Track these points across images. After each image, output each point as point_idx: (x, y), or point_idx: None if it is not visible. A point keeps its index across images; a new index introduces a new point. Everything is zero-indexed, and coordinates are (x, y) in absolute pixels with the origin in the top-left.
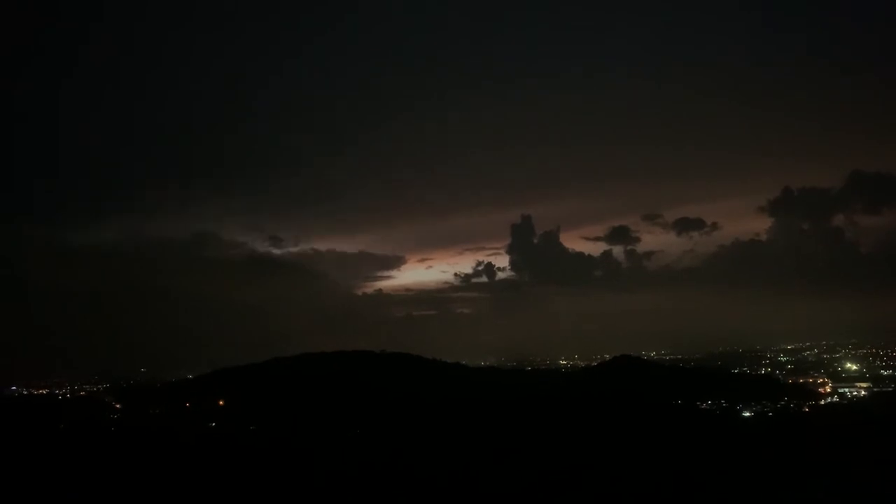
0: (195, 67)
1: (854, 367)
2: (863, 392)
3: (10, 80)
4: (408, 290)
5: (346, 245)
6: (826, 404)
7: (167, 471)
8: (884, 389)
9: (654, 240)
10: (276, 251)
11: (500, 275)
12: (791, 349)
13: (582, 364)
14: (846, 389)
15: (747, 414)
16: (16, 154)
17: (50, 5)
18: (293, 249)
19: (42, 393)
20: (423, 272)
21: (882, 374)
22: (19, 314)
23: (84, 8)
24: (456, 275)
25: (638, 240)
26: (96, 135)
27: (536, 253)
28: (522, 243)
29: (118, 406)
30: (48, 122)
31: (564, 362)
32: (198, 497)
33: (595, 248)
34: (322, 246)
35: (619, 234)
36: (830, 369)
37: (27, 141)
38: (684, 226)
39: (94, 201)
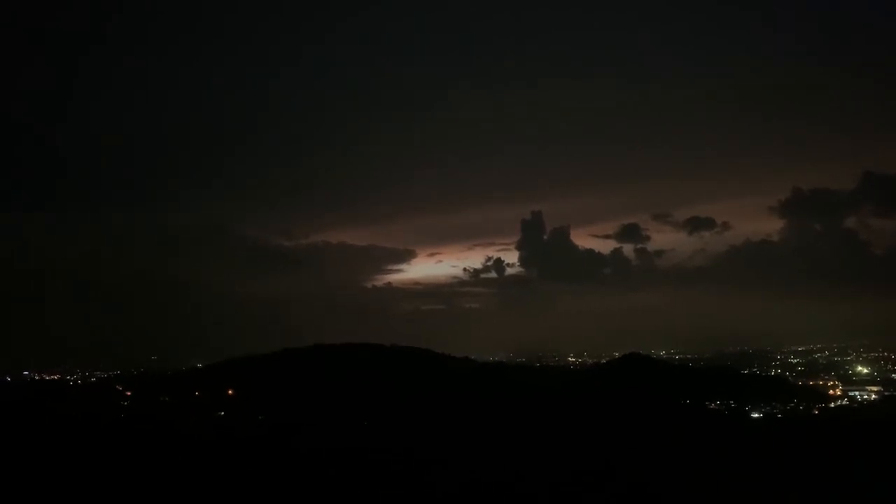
0: (208, 64)
1: (865, 370)
2: (873, 395)
3: (24, 77)
4: (417, 283)
5: (357, 238)
6: (836, 407)
7: (174, 459)
8: (894, 393)
9: (665, 239)
10: (287, 243)
11: (510, 270)
12: (802, 351)
13: (591, 361)
14: (856, 392)
15: (756, 415)
16: (29, 147)
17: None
18: (304, 242)
19: (53, 379)
20: (432, 266)
21: (893, 377)
22: (32, 302)
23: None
24: (465, 270)
25: (648, 238)
26: (110, 128)
27: (546, 249)
28: (532, 239)
29: (128, 393)
30: (62, 115)
31: (573, 359)
32: (204, 486)
33: (605, 246)
34: (333, 239)
35: (629, 233)
36: (841, 372)
37: (41, 134)
38: (695, 225)
39: (109, 194)
